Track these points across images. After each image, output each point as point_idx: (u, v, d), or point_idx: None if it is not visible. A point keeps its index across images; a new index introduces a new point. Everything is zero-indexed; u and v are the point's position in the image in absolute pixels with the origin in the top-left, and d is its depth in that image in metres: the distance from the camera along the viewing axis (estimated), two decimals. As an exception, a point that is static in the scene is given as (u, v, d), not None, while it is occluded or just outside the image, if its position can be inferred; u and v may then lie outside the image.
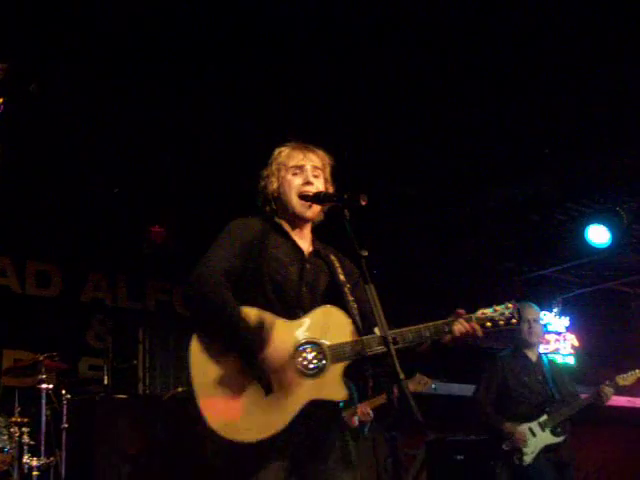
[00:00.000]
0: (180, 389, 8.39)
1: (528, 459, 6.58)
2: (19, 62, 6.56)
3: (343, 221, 3.55)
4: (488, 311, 3.79)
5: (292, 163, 3.87)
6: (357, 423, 7.27)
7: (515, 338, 7.05)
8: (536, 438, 6.63)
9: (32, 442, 6.94)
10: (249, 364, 3.47)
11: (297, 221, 3.87)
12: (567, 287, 13.09)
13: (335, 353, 3.58)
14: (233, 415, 3.47)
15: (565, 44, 6.97)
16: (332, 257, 3.91)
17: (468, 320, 3.70)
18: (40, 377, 7.07)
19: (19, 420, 6.96)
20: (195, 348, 3.55)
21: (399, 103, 7.75)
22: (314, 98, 7.48)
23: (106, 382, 8.83)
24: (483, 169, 9.08)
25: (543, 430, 6.65)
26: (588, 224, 9.91)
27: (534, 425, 6.66)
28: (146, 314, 10.30)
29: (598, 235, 9.81)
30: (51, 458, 7.00)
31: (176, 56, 6.84)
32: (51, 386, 7.15)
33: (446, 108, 7.84)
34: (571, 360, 13.75)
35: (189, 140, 8.10)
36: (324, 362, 3.57)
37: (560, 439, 6.67)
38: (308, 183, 3.82)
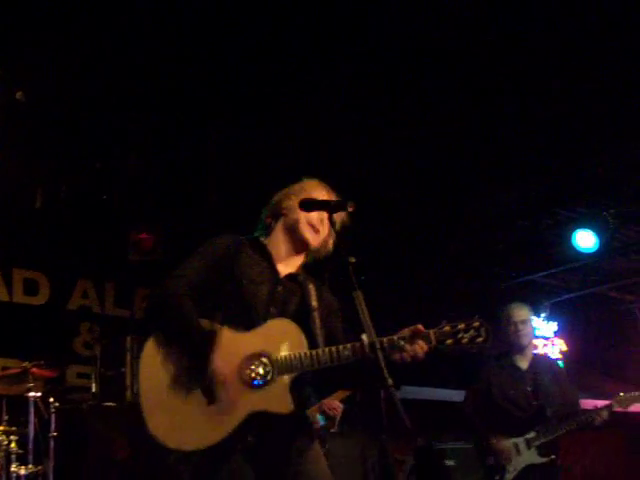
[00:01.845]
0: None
1: (510, 477, 6.34)
2: (6, 69, 6.56)
3: (331, 228, 3.57)
4: (450, 327, 3.62)
5: (313, 194, 3.91)
6: (321, 423, 6.89)
7: (503, 342, 6.67)
8: (520, 456, 6.37)
9: (20, 451, 6.91)
10: (198, 370, 3.50)
11: (294, 244, 3.92)
12: (555, 292, 13.09)
13: (283, 365, 3.58)
14: (174, 423, 3.50)
15: (555, 50, 7.00)
16: (310, 285, 3.91)
17: (425, 337, 3.57)
18: (28, 385, 7.04)
19: (7, 429, 6.93)
20: (147, 353, 3.61)
21: (389, 109, 7.76)
22: (303, 105, 7.49)
23: (94, 390, 8.79)
24: (471, 175, 9.10)
25: (529, 448, 6.37)
26: (575, 229, 9.94)
27: (520, 442, 6.40)
28: (134, 321, 10.27)
29: (585, 240, 9.83)
30: (39, 467, 6.96)
31: (173, 60, 6.85)
32: (39, 394, 7.13)
33: (435, 114, 7.85)
34: (559, 365, 13.76)
35: (176, 147, 8.09)
36: (271, 374, 3.57)
37: (545, 460, 6.38)
38: (313, 227, 3.88)
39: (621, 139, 8.45)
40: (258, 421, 3.52)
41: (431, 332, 3.61)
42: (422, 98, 7.60)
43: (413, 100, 7.61)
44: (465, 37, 6.82)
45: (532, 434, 6.42)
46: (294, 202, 3.89)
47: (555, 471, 6.53)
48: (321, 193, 3.93)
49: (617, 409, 6.59)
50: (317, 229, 3.87)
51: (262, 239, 3.94)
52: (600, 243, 9.78)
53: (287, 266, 3.90)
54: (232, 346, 3.55)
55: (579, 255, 10.24)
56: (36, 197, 8.70)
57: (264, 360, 3.58)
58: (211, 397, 3.50)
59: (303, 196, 3.88)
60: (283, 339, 3.63)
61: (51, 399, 7.32)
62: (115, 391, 8.99)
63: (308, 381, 3.76)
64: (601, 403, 6.76)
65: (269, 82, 7.17)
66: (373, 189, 8.96)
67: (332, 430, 7.09)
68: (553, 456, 6.45)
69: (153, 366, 3.57)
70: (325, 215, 3.80)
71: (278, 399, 3.57)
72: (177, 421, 3.49)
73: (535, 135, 8.37)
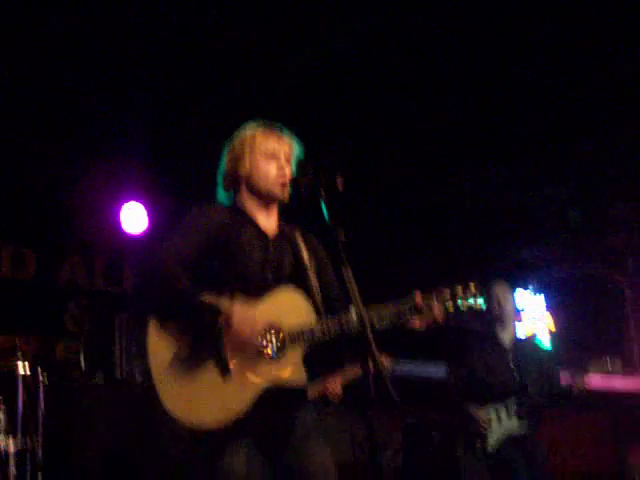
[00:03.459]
0: (139, 377, 8.38)
1: (492, 444, 6.42)
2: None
3: (319, 202, 3.55)
4: (450, 289, 3.73)
5: (268, 149, 3.83)
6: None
7: (487, 319, 6.85)
8: (501, 425, 6.46)
9: (8, 426, 6.91)
10: (208, 345, 3.46)
11: (266, 202, 3.85)
12: (544, 269, 13.14)
13: (294, 336, 3.57)
14: (192, 401, 3.45)
15: (546, 28, 6.99)
16: (297, 237, 3.89)
17: (427, 300, 3.67)
18: (16, 361, 7.03)
19: (-5, 404, 6.93)
20: (152, 333, 3.53)
21: (377, 84, 7.74)
22: (291, 77, 7.46)
23: (83, 366, 8.81)
24: (461, 151, 9.09)
25: (509, 418, 6.47)
26: (565, 206, 9.96)
27: (501, 411, 6.49)
28: (123, 297, 10.26)
29: (573, 217, 9.86)
30: (28, 442, 6.97)
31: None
32: (28, 370, 7.12)
33: (424, 89, 7.83)
34: (547, 342, 13.83)
35: (166, 120, 8.05)
36: (283, 345, 3.56)
37: (526, 430, 6.49)
38: (283, 172, 3.79)
39: (613, 116, 8.46)
40: (271, 395, 3.51)
41: (432, 297, 3.69)
42: (413, 73, 7.57)
43: (404, 75, 7.59)
44: (459, 16, 6.81)
45: (513, 405, 6.48)
46: (249, 165, 3.82)
47: (536, 443, 6.61)
48: (272, 141, 3.86)
49: (595, 378, 6.72)
50: (285, 183, 3.78)
51: (237, 204, 3.87)
52: (589, 220, 9.81)
53: (268, 224, 3.85)
54: (236, 321, 3.48)
55: (568, 232, 10.27)
56: (24, 172, 8.64)
57: (275, 332, 3.57)
58: (225, 371, 3.46)
59: (257, 155, 3.82)
60: (292, 309, 3.62)
61: (40, 375, 7.32)
62: (104, 367, 9.01)
63: (331, 350, 3.76)
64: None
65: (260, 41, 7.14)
66: (363, 165, 8.94)
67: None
68: (534, 429, 6.56)
69: (161, 344, 3.51)
70: (285, 156, 3.82)
71: (293, 371, 3.56)
72: (194, 399, 3.45)
73: (526, 112, 8.36)
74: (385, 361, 6.80)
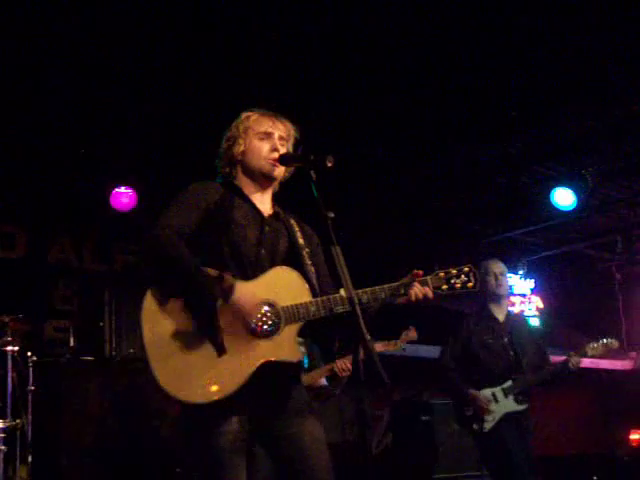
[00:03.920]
0: (132, 350, 8.39)
1: (488, 426, 6.43)
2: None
3: (309, 183, 3.56)
4: (444, 273, 3.82)
5: (261, 129, 3.89)
6: (324, 382, 6.90)
7: (482, 294, 6.81)
8: (498, 404, 6.46)
9: (-2, 404, 6.94)
10: (204, 322, 3.48)
11: (261, 182, 3.90)
12: (533, 250, 13.16)
13: (289, 314, 3.60)
14: (185, 375, 3.46)
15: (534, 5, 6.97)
16: (292, 221, 3.94)
17: (423, 283, 3.75)
18: (5, 339, 7.04)
19: (-16, 383, 6.94)
20: (147, 306, 3.55)
21: (365, 63, 7.71)
22: (279, 58, 7.43)
23: (72, 344, 8.81)
24: (449, 131, 9.08)
25: (506, 397, 6.48)
26: (554, 187, 9.95)
27: (498, 391, 6.49)
28: (112, 276, 10.25)
29: (564, 198, 9.85)
30: (17, 420, 6.99)
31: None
32: (17, 348, 7.12)
33: (412, 68, 7.81)
34: (536, 322, 13.88)
35: (155, 100, 8.01)
36: (278, 323, 3.58)
37: (522, 407, 6.52)
38: (275, 150, 3.85)
39: (600, 97, 8.45)
40: (265, 373, 3.52)
41: (428, 278, 3.78)
42: (401, 52, 7.54)
43: (392, 54, 7.56)
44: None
45: (509, 383, 6.52)
46: (244, 145, 3.88)
47: (530, 418, 6.66)
48: (266, 122, 3.91)
49: (589, 358, 6.76)
50: (276, 160, 3.84)
51: (236, 183, 3.92)
52: (578, 201, 9.81)
53: (263, 205, 3.90)
54: (236, 295, 3.53)
55: (557, 213, 10.27)
56: (14, 151, 8.60)
57: (271, 309, 3.59)
58: (220, 348, 3.48)
59: (251, 136, 3.88)
60: (287, 288, 3.65)
61: (29, 353, 7.33)
62: (93, 345, 9.01)
63: (323, 330, 3.81)
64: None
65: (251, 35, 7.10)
66: (351, 145, 8.93)
67: (336, 391, 7.08)
68: (528, 404, 6.58)
69: (156, 319, 3.52)
70: (278, 137, 3.87)
71: (288, 348, 3.59)
72: (187, 373, 3.46)
73: (515, 92, 8.35)
74: (377, 344, 6.84)
